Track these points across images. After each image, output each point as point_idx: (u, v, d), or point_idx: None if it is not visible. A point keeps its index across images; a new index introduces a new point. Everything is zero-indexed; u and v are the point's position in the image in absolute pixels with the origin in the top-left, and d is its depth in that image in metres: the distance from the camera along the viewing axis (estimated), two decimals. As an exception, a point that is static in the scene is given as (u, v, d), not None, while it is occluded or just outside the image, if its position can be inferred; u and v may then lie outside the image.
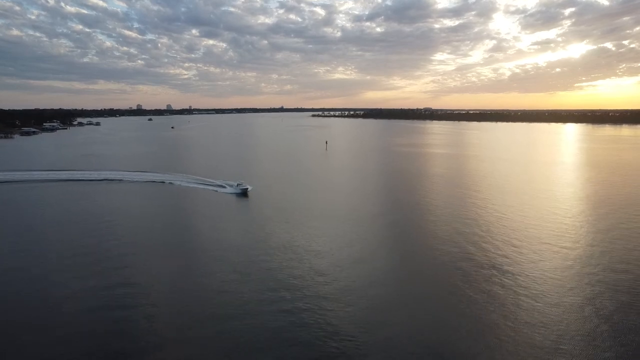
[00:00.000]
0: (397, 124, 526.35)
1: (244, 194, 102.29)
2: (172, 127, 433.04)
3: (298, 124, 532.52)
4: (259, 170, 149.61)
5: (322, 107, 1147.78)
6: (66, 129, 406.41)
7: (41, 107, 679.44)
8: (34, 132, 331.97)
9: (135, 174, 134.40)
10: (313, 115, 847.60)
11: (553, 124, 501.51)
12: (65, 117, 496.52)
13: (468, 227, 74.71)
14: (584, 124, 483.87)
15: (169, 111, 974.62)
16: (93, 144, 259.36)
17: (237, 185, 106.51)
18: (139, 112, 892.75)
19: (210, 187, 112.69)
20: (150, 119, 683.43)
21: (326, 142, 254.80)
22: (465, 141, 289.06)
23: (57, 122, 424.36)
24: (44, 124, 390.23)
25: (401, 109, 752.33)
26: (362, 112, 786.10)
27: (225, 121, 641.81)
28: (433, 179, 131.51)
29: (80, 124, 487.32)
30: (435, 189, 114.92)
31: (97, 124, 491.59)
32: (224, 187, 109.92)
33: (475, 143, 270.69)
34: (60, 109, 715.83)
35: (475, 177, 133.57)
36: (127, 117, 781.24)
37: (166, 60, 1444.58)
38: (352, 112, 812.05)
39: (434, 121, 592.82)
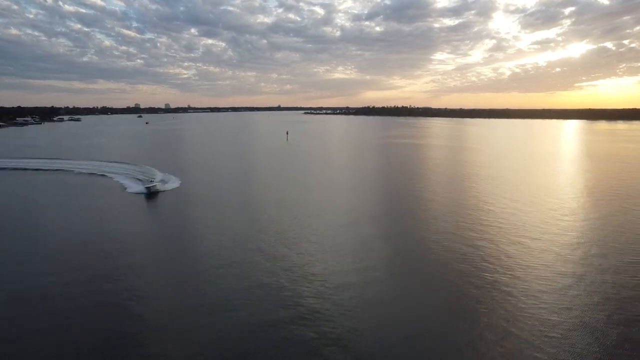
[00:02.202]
0: (388, 121, 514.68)
1: (150, 195, 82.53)
2: (147, 123, 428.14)
3: (284, 120, 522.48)
4: (202, 163, 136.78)
5: (321, 106, 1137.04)
6: (40, 124, 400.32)
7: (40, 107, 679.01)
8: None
9: (62, 162, 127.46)
10: (305, 113, 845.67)
11: (548, 121, 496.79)
12: (47, 114, 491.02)
13: (458, 220, 64.51)
14: (580, 120, 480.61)
15: (164, 110, 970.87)
16: (50, 137, 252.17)
17: (150, 182, 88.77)
18: (135, 110, 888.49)
19: (130, 182, 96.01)
20: (140, 116, 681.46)
21: (287, 133, 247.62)
22: (452, 134, 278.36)
23: (33, 117, 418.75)
24: (17, 118, 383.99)
25: (395, 107, 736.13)
26: (354, 110, 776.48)
27: (213, 119, 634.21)
28: (391, 170, 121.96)
29: (61, 119, 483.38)
30: (393, 180, 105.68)
31: (78, 119, 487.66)
32: (151, 182, 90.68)
33: (463, 137, 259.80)
34: (52, 106, 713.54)
35: (461, 167, 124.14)
36: (120, 115, 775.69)
37: (165, 59, 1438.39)
38: (343, 110, 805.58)
39: (428, 118, 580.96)
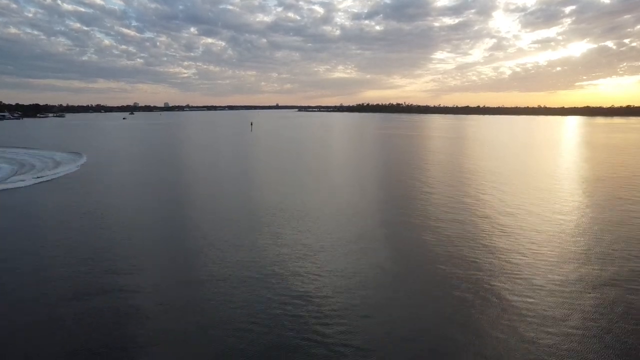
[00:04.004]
0: (379, 117, 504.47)
1: None
2: (124, 119, 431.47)
3: (272, 116, 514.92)
4: (128, 151, 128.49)
5: (320, 105, 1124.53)
6: (19, 119, 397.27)
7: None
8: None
9: None
10: (299, 110, 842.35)
11: (544, 117, 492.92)
12: (32, 111, 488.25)
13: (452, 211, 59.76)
14: (577, 117, 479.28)
15: (159, 108, 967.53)
16: (14, 129, 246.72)
17: None
18: (130, 108, 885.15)
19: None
20: (132, 113, 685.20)
21: (251, 124, 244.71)
22: (446, 129, 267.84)
23: (12, 113, 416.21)
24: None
25: (390, 104, 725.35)
26: (348, 107, 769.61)
27: (203, 116, 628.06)
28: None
29: (46, 115, 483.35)
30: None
31: (62, 116, 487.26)
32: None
33: (458, 130, 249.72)
34: (46, 104, 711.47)
35: (455, 158, 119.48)
36: (112, 113, 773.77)
37: (165, 58, 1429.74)
38: (337, 108, 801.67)
39: (422, 115, 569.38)
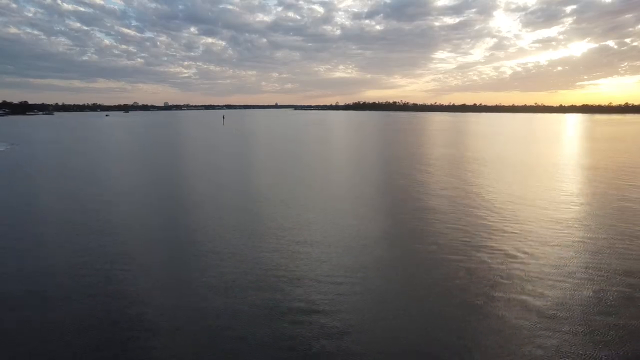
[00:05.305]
0: (374, 114, 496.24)
1: None
2: (107, 115, 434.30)
3: (263, 115, 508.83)
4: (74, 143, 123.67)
5: (321, 105, 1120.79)
6: (4, 116, 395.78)
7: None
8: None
9: None
10: (295, 109, 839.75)
11: (541, 115, 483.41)
12: (19, 108, 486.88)
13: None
14: (575, 114, 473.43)
15: (157, 107, 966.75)
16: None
17: None
18: (128, 108, 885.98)
19: None
20: (126, 112, 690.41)
21: (223, 117, 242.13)
22: (442, 125, 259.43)
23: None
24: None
25: (387, 102, 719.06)
26: (344, 106, 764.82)
27: (197, 115, 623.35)
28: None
29: (36, 113, 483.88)
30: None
31: (50, 113, 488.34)
32: None
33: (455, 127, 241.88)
34: (42, 102, 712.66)
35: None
36: (107, 111, 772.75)
37: (165, 58, 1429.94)
38: (333, 107, 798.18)
39: (417, 113, 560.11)
